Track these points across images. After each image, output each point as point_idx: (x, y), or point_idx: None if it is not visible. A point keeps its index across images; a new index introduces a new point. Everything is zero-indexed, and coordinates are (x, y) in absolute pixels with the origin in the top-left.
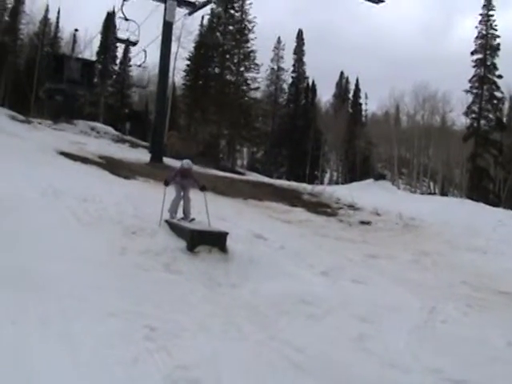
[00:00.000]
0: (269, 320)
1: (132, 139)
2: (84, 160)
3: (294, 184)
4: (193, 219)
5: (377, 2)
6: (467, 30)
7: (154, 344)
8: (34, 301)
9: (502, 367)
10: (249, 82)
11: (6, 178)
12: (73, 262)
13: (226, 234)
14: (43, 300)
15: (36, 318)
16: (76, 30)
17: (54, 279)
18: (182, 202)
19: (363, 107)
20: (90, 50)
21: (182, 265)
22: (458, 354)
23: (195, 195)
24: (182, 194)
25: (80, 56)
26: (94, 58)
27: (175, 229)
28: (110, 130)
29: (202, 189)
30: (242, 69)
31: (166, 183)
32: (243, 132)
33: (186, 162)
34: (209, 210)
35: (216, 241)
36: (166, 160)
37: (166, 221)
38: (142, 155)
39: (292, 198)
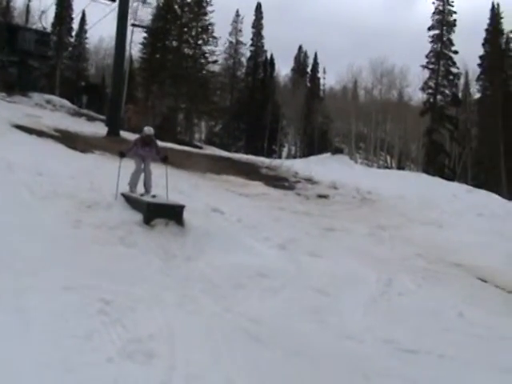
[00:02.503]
0: (224, 293)
1: (89, 113)
2: (39, 133)
3: (251, 158)
4: (154, 196)
5: None
6: (429, 4)
7: (108, 317)
8: None
9: (453, 337)
10: (207, 55)
11: None
12: (26, 235)
13: (183, 207)
14: None
15: None
16: None
17: (7, 253)
18: (142, 176)
19: (321, 82)
20: (44, 21)
21: (137, 238)
22: (411, 325)
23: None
24: (142, 166)
25: (34, 27)
26: (48, 30)
27: (131, 202)
28: (66, 103)
29: (164, 160)
30: (200, 42)
31: (122, 155)
32: (201, 105)
33: (148, 129)
34: (163, 183)
35: (172, 214)
36: (123, 133)
37: (122, 194)
38: (99, 129)
39: (250, 172)
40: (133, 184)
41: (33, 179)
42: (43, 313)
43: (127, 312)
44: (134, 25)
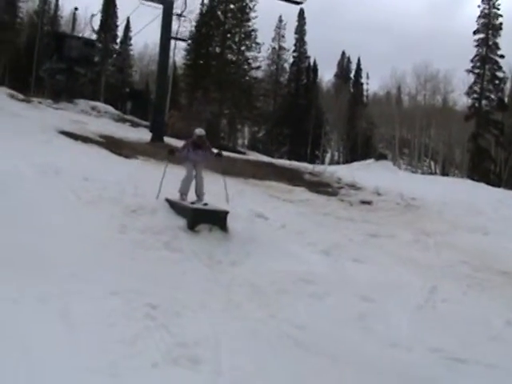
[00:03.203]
0: (269, 298)
1: (133, 118)
2: (85, 139)
3: (295, 163)
4: (206, 204)
5: None
6: (475, 8)
7: (154, 322)
8: (33, 279)
9: (501, 346)
10: (250, 61)
11: (5, 156)
12: (73, 240)
13: (227, 212)
14: (43, 279)
15: (36, 297)
16: (76, 8)
17: (54, 258)
18: (193, 182)
19: (365, 87)
20: (90, 29)
21: (182, 243)
22: (457, 333)
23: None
24: (194, 172)
25: (80, 35)
26: (94, 37)
27: (175, 207)
28: (111, 109)
29: (218, 155)
30: (243, 48)
31: (171, 152)
32: (244, 111)
33: (199, 130)
34: (210, 189)
35: (216, 219)
36: (167, 139)
37: (167, 199)
38: (143, 134)
39: (293, 178)
40: (184, 191)
41: (79, 184)
42: (89, 317)
43: (173, 317)
44: (173, 38)
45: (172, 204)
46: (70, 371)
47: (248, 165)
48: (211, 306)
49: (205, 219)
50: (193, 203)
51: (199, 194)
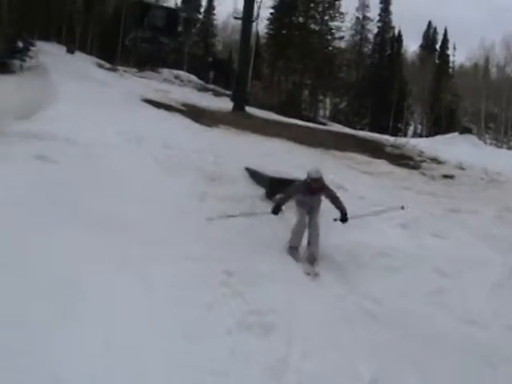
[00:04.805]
0: (346, 271)
1: (215, 88)
2: (167, 108)
3: (376, 136)
4: (317, 274)
5: None
6: None
7: (230, 289)
8: (115, 243)
9: None
10: (333, 31)
11: (92, 123)
12: (154, 207)
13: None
14: (124, 243)
15: (117, 260)
16: None
17: (135, 223)
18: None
19: (451, 58)
20: None
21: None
22: None
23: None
24: (307, 219)
25: (165, 4)
26: (178, 7)
27: (255, 176)
28: (194, 78)
29: (343, 219)
30: (326, 18)
31: (277, 209)
32: (326, 82)
33: (316, 171)
34: (289, 159)
35: None
36: (249, 109)
37: (246, 168)
38: (225, 104)
39: (374, 150)
40: (295, 244)
41: (161, 152)
42: (167, 281)
43: (249, 285)
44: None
45: (252, 173)
46: (146, 333)
47: (329, 136)
48: (288, 276)
49: (283, 188)
50: (308, 274)
51: (312, 247)
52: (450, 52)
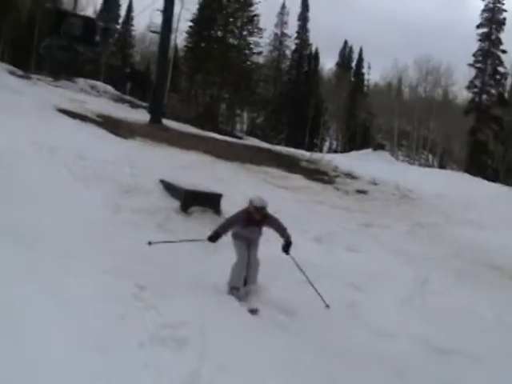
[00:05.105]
0: (260, 283)
1: (132, 99)
2: (83, 118)
3: (292, 150)
4: (255, 310)
5: None
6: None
7: (142, 303)
8: (27, 254)
9: (488, 339)
10: (251, 46)
11: (4, 132)
12: (67, 218)
13: (220, 195)
14: (37, 255)
15: (29, 273)
16: None
17: (48, 235)
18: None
19: (366, 77)
20: (92, 8)
21: (175, 224)
22: (447, 325)
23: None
24: (247, 253)
25: (82, 13)
26: (96, 16)
27: (170, 189)
28: (110, 89)
29: (286, 248)
30: (244, 33)
31: (215, 236)
32: (244, 96)
33: (259, 200)
34: (205, 172)
35: (210, 202)
36: (166, 122)
37: (161, 180)
38: (142, 116)
39: (290, 165)
40: (236, 283)
41: (75, 162)
42: (80, 295)
43: (162, 298)
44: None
45: (167, 185)
46: (58, 346)
47: (245, 150)
48: (201, 289)
49: (198, 202)
50: (252, 311)
51: (249, 279)
52: (365, 71)
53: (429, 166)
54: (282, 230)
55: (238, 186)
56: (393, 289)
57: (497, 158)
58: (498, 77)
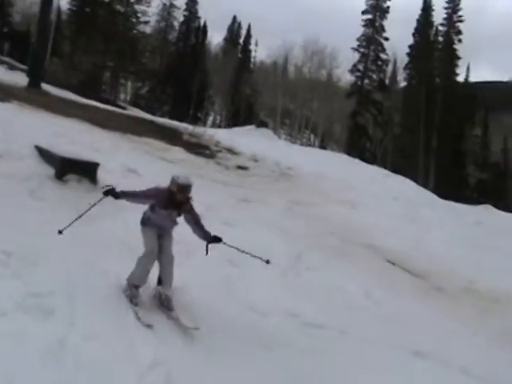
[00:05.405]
0: (136, 255)
1: (10, 61)
2: None
3: (175, 123)
4: (178, 318)
5: None
6: None
7: (8, 270)
8: None
9: (357, 315)
10: (139, 14)
11: None
12: None
13: (97, 164)
14: None
15: None
16: None
17: None
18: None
19: (252, 54)
20: None
21: (48, 192)
22: (317, 300)
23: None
24: (157, 245)
25: None
26: None
27: (45, 155)
28: None
29: (212, 240)
30: (132, 0)
31: (115, 194)
32: (129, 65)
33: (185, 176)
34: (83, 140)
35: (86, 171)
36: (45, 87)
37: (36, 146)
38: (20, 79)
39: (172, 137)
40: (138, 281)
41: None
42: None
43: (28, 266)
44: None
45: (42, 152)
46: None
47: (127, 120)
48: (70, 258)
49: (74, 170)
50: (160, 296)
51: (165, 281)
52: (252, 48)
53: (310, 146)
54: (199, 219)
55: (118, 156)
56: (267, 265)
57: (375, 142)
58: (379, 63)
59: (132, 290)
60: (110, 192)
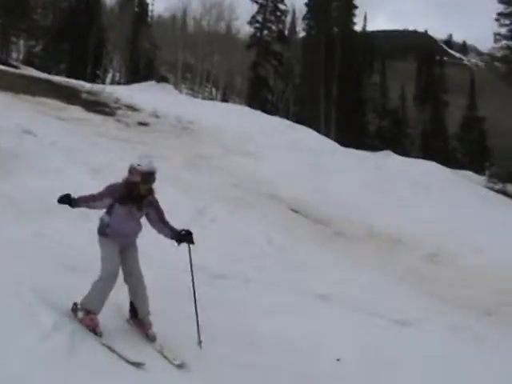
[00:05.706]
0: (33, 217)
1: None
2: None
3: (72, 81)
4: (155, 338)
5: None
6: None
7: None
8: None
9: (260, 262)
10: None
11: None
12: None
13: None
14: None
15: None
16: None
17: None
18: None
19: (150, 8)
20: None
21: None
22: (222, 251)
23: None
24: (119, 263)
25: None
26: None
27: None
28: None
29: (183, 240)
30: None
31: (65, 200)
32: (19, 22)
33: (148, 161)
34: None
35: None
36: None
37: None
38: None
39: (69, 96)
40: (95, 306)
41: None
42: None
43: None
44: None
45: None
46: None
47: (20, 79)
48: None
49: None
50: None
51: (140, 310)
52: (149, 1)
53: (212, 100)
54: (163, 215)
55: (11, 116)
56: (172, 219)
57: (276, 93)
58: (278, 13)
59: (89, 317)
60: (65, 199)
